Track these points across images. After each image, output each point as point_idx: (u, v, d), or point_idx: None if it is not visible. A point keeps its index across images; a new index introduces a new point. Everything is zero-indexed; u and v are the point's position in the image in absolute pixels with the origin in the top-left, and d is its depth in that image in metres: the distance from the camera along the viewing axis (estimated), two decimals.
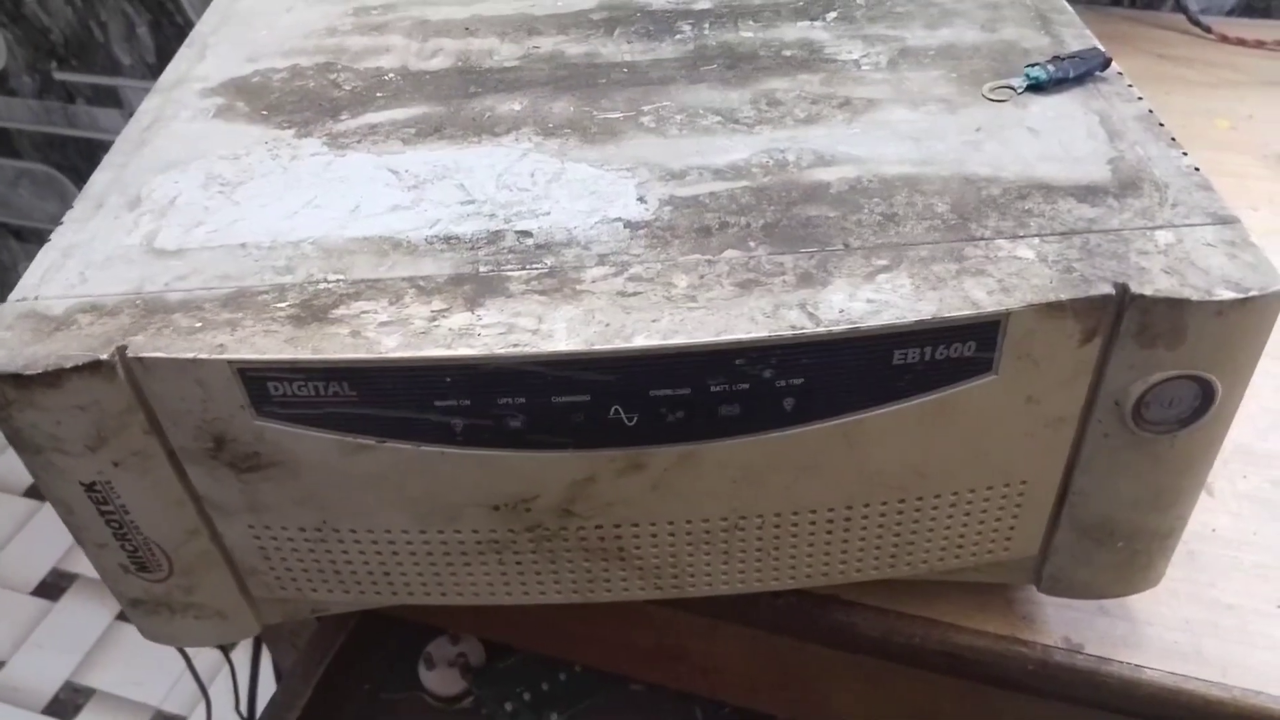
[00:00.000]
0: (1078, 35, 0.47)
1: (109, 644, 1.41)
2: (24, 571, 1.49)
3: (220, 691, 0.91)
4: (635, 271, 0.37)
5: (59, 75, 1.30)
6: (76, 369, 0.35)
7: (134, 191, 0.42)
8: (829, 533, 0.40)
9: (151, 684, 1.36)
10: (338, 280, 0.37)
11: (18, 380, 0.35)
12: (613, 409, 0.36)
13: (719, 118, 0.44)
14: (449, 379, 0.35)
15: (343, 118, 0.46)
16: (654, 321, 0.35)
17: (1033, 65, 0.44)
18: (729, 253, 0.37)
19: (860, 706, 0.55)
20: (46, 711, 1.35)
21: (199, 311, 0.37)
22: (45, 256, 0.40)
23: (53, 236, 0.41)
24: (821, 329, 0.34)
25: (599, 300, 0.36)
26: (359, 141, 0.44)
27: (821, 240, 0.37)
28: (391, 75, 0.48)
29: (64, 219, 0.41)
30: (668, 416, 0.36)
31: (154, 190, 0.42)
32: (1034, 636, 0.47)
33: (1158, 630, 0.47)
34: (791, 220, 0.38)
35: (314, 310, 0.36)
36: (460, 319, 0.35)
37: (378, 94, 0.47)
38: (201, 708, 1.34)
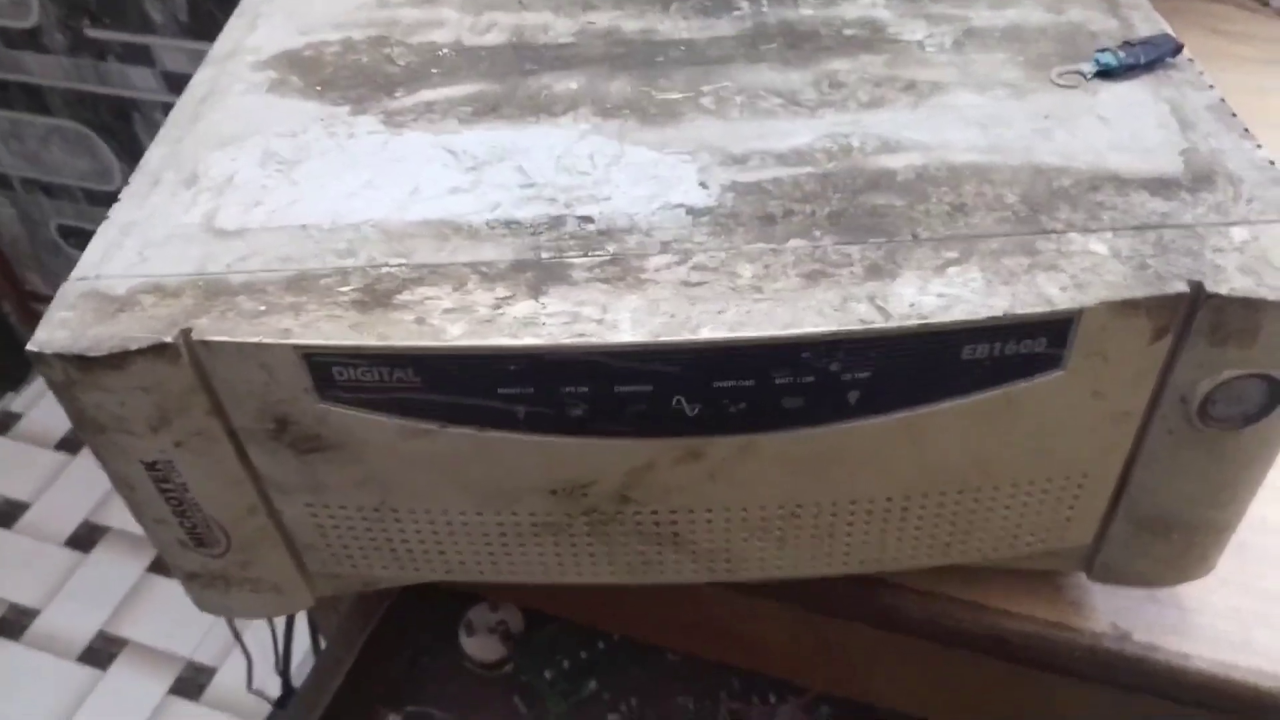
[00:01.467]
0: (1146, 18, 0.46)
1: (140, 596, 1.43)
2: (56, 523, 1.51)
3: (254, 648, 0.92)
4: (699, 260, 0.36)
5: (91, 32, 1.30)
6: (141, 351, 0.35)
7: (190, 168, 0.42)
8: (885, 521, 0.40)
9: (183, 636, 1.39)
10: (400, 264, 0.37)
11: (82, 362, 0.35)
12: (675, 399, 0.36)
13: (780, 99, 0.43)
14: (513, 367, 0.35)
15: (398, 94, 0.45)
16: (720, 313, 0.34)
17: (1103, 50, 0.43)
18: (794, 242, 0.37)
19: (903, 686, 0.56)
20: (80, 660, 1.37)
21: (262, 294, 0.36)
22: (104, 234, 0.40)
23: (111, 213, 0.41)
24: (892, 324, 0.33)
25: (663, 290, 0.35)
26: (415, 120, 0.44)
27: (889, 230, 0.37)
28: (446, 50, 0.47)
29: (120, 194, 0.41)
30: (730, 407, 0.36)
31: (211, 167, 0.42)
32: (1082, 622, 0.47)
33: (1207, 619, 0.47)
34: (857, 209, 0.38)
35: (377, 295, 0.36)
36: (524, 307, 0.35)
37: (433, 70, 0.46)
38: (230, 660, 1.36)
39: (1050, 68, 0.44)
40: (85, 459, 1.58)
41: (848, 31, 0.47)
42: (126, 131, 1.37)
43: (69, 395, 0.36)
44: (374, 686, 0.64)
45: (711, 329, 0.34)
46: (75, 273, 0.38)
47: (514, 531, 0.41)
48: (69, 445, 1.60)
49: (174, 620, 1.40)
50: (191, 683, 1.35)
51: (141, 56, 1.31)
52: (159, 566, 1.45)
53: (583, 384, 0.35)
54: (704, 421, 0.36)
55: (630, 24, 0.48)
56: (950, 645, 0.48)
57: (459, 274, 0.37)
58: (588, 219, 0.38)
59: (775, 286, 0.35)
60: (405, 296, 0.36)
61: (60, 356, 0.35)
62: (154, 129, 0.72)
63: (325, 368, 0.36)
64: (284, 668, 0.91)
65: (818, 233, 0.37)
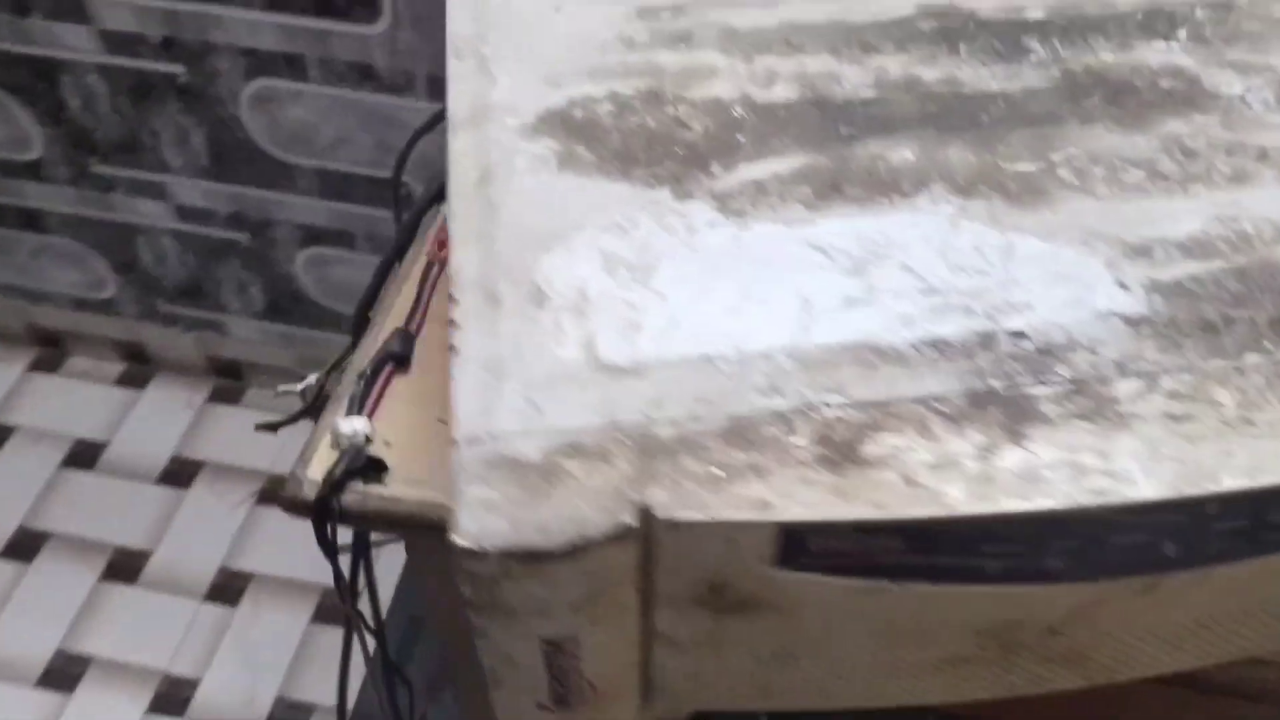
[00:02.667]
0: None
1: (98, 607, 1.32)
2: None
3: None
4: (1169, 386, 0.34)
5: (97, 169, 1.19)
6: (601, 539, 0.30)
7: (527, 279, 0.36)
8: None
9: (154, 646, 1.29)
10: (839, 404, 0.33)
11: (531, 557, 0.30)
12: (1165, 542, 0.33)
13: (1141, 172, 0.40)
14: (1012, 526, 0.32)
15: (714, 170, 0.40)
16: (1229, 456, 0.32)
17: None
18: (1250, 357, 0.35)
19: None
20: (41, 685, 1.26)
21: (705, 452, 0.32)
22: (468, 375, 0.34)
23: (459, 344, 0.34)
24: None
25: (1151, 427, 0.33)
26: (753, 205, 0.39)
27: None
28: (739, 111, 0.42)
29: (455, 317, 0.35)
30: (1214, 546, 0.34)
31: (552, 278, 0.36)
32: None
33: None
34: None
35: (839, 448, 0.32)
36: (1013, 457, 0.32)
37: (737, 136, 0.41)
38: (213, 669, 1.28)
39: None
40: (10, 454, 1.44)
41: (1163, 84, 0.44)
42: None
43: (490, 586, 0.31)
44: None
45: (1232, 477, 0.32)
46: (461, 430, 0.32)
47: (911, 665, 0.38)
48: None
49: (141, 630, 1.30)
50: (172, 698, 1.26)
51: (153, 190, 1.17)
52: (114, 573, 1.34)
53: (1077, 538, 0.32)
54: (1180, 559, 0.34)
55: (927, 72, 0.44)
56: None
57: (914, 414, 0.33)
58: (1021, 335, 0.35)
59: (1265, 418, 0.33)
60: (872, 449, 0.32)
61: (506, 554, 0.30)
62: None
63: (801, 538, 0.31)
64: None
65: (1268, 344, 0.35)
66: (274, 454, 1.48)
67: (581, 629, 0.33)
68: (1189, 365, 0.34)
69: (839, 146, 0.41)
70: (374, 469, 0.51)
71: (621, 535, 0.30)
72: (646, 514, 0.30)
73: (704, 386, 0.33)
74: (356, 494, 0.50)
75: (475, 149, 0.40)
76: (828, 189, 0.39)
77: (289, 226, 1.35)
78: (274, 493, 1.43)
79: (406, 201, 1.29)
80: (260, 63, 1.17)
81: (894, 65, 0.44)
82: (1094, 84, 0.44)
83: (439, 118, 0.80)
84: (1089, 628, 0.37)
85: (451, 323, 0.35)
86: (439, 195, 0.67)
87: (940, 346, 0.35)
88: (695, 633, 0.35)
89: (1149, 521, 0.32)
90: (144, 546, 1.38)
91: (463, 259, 0.37)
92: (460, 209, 0.38)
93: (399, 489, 0.51)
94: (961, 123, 0.42)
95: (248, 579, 1.36)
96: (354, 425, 0.53)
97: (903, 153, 0.41)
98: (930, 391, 0.33)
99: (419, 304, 0.59)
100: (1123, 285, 0.37)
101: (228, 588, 1.35)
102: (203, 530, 1.40)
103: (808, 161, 0.40)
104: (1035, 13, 0.47)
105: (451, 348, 0.34)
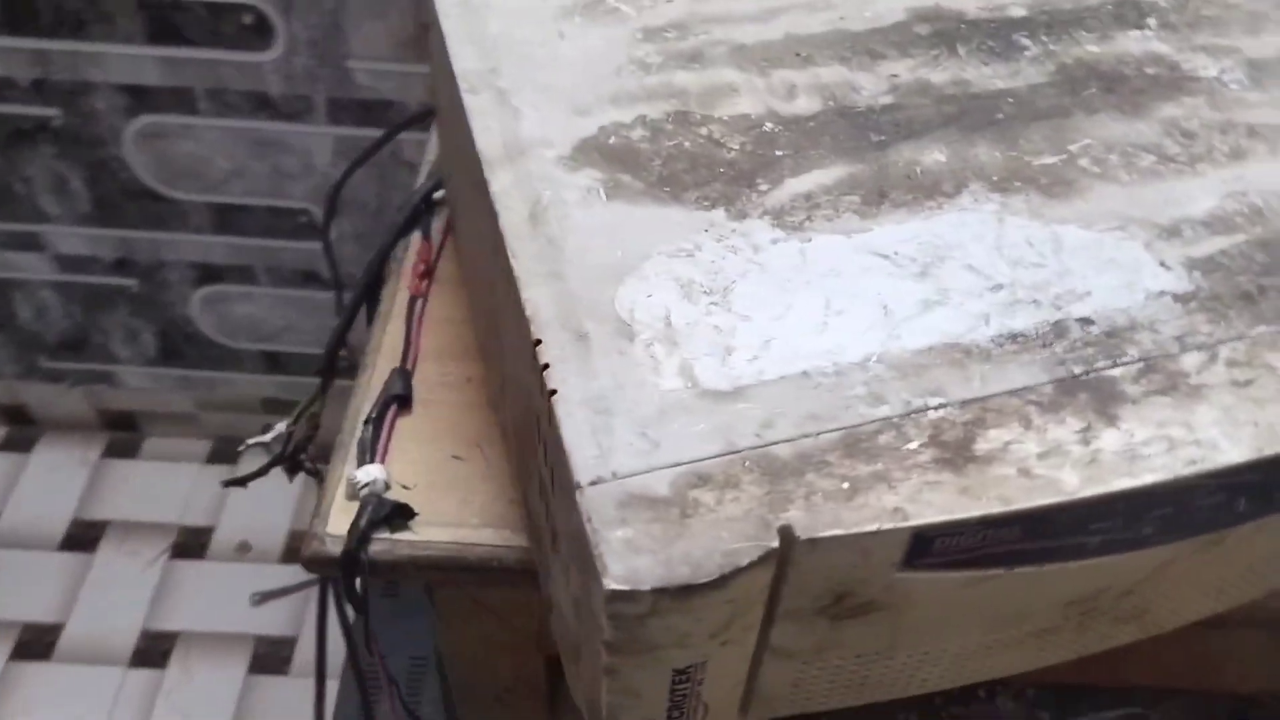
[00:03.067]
0: None
1: (15, 683, 1.24)
2: None
3: None
4: (1227, 355, 0.36)
5: None
6: (749, 565, 0.30)
7: (609, 312, 0.36)
8: None
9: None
10: (940, 405, 0.34)
11: (684, 591, 0.30)
12: (1240, 499, 0.36)
13: (1152, 156, 0.43)
14: (1118, 503, 0.33)
15: (761, 187, 0.40)
16: None
17: None
18: None
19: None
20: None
21: (829, 467, 0.32)
22: (575, 416, 0.33)
23: (554, 383, 0.34)
24: None
25: (1224, 395, 0.35)
26: (809, 219, 0.39)
27: None
28: (770, 125, 0.43)
29: (546, 359, 0.34)
30: (1277, 496, 0.36)
31: (634, 310, 0.36)
32: None
33: None
34: None
35: (953, 448, 0.33)
36: (1112, 439, 0.34)
37: (776, 151, 0.42)
38: None
39: None
40: None
41: (1149, 70, 0.47)
42: None
43: (635, 624, 0.31)
44: None
45: None
46: (581, 475, 0.32)
47: (999, 642, 0.40)
48: None
49: (64, 707, 1.23)
50: None
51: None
52: (26, 651, 1.26)
53: (1170, 505, 0.34)
54: (1249, 513, 0.36)
55: (936, 75, 0.46)
56: None
57: (1014, 408, 0.34)
58: (1088, 320, 0.37)
59: None
60: (984, 446, 0.33)
61: (659, 591, 0.30)
62: None
63: (929, 541, 0.32)
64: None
65: None
66: (182, 505, 1.41)
67: (712, 655, 0.34)
68: (1239, 334, 0.37)
69: (874, 153, 0.42)
70: (400, 515, 0.50)
71: (765, 558, 0.30)
72: (787, 534, 0.31)
73: (809, 402, 0.34)
74: (384, 543, 0.49)
75: (519, 186, 0.40)
76: (875, 196, 0.40)
77: (181, 267, 1.29)
78: (189, 546, 1.37)
79: (313, 230, 1.25)
80: (144, 99, 1.12)
81: (903, 70, 0.46)
82: (1088, 75, 0.46)
83: (379, 145, 0.79)
84: (1156, 586, 0.39)
85: (545, 366, 0.34)
86: (406, 228, 0.66)
87: (1019, 339, 0.36)
88: (810, 642, 0.36)
89: (1230, 482, 0.34)
90: (54, 619, 1.30)
91: (538, 299, 0.36)
92: (520, 249, 0.38)
93: (429, 533, 0.49)
94: (980, 122, 0.44)
95: (173, 638, 1.29)
96: (371, 473, 0.51)
97: (935, 155, 0.42)
98: (1021, 383, 0.35)
99: (410, 341, 0.58)
100: (1165, 265, 0.39)
101: (153, 650, 1.28)
102: (117, 594, 1.33)
103: (849, 170, 0.41)
104: (1017, 10, 0.49)
105: (551, 392, 0.34)
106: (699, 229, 0.39)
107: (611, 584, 0.29)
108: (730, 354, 0.35)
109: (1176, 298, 0.38)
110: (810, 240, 0.39)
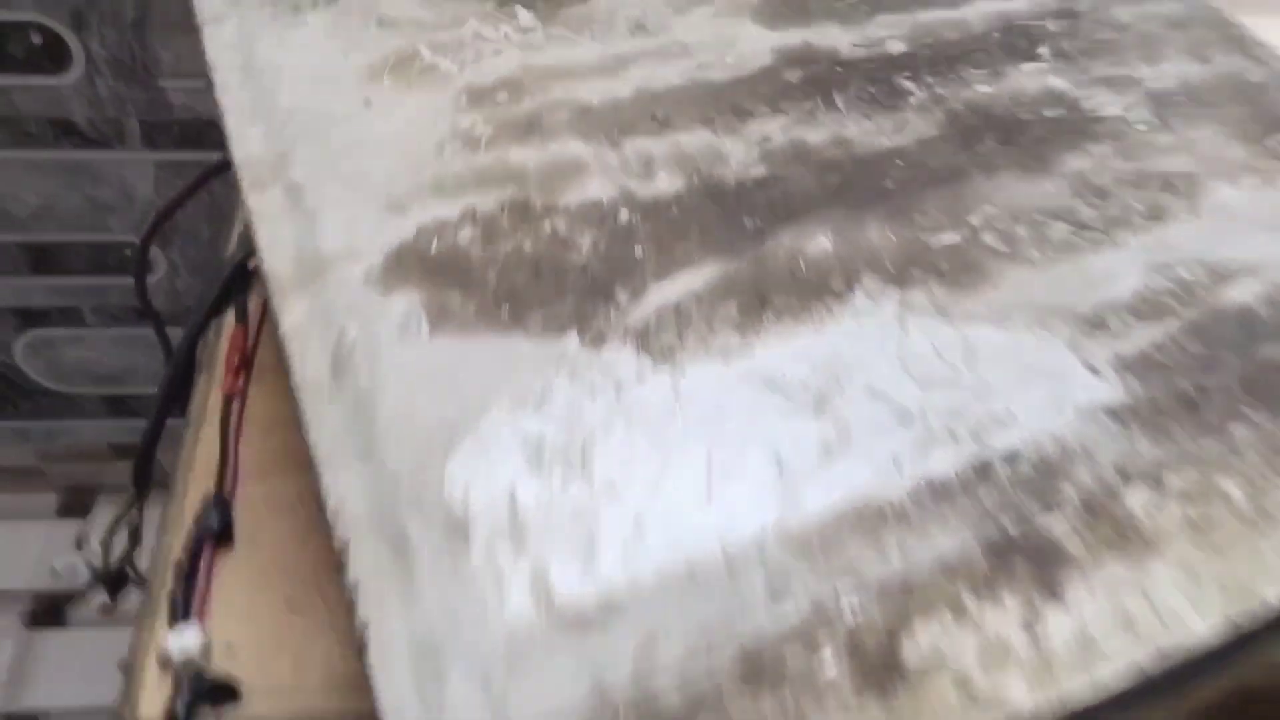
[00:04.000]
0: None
1: None
2: None
3: None
4: (1175, 485, 0.31)
5: None
6: None
7: (436, 500, 0.28)
8: None
9: None
10: (855, 600, 0.28)
11: None
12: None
13: (1065, 225, 0.37)
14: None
15: (620, 299, 0.33)
16: (1260, 561, 0.29)
17: None
18: (1239, 431, 0.32)
19: None
20: None
21: (726, 715, 0.26)
22: (393, 669, 0.26)
23: (365, 612, 0.26)
24: None
25: (1180, 544, 0.29)
26: (679, 340, 0.32)
27: None
28: (625, 214, 0.35)
29: (355, 573, 0.27)
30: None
31: (469, 491, 0.28)
32: None
33: None
34: (1257, 368, 0.34)
35: (877, 661, 0.27)
36: (1060, 624, 0.28)
37: (635, 249, 0.35)
38: None
39: (1257, 138, 0.41)
40: None
41: (1047, 112, 0.41)
42: None
43: None
44: None
45: (1271, 585, 0.29)
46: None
47: None
48: None
49: None
50: None
51: None
52: None
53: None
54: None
55: (812, 134, 0.39)
56: None
57: (940, 589, 0.28)
58: (1014, 455, 0.31)
59: (1273, 502, 0.30)
60: (913, 654, 0.27)
61: None
62: None
63: None
64: None
65: (1246, 410, 0.33)
66: (32, 569, 1.28)
67: None
68: (1185, 454, 0.31)
69: (749, 245, 0.35)
70: (223, 692, 0.42)
71: None
72: None
73: (697, 610, 0.27)
74: None
75: (316, 321, 0.32)
76: (755, 303, 0.34)
77: None
78: (43, 614, 1.25)
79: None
80: None
81: (775, 131, 0.39)
82: (982, 124, 0.40)
83: (185, 196, 0.69)
84: None
85: (355, 585, 0.27)
86: (220, 303, 0.57)
87: (939, 490, 0.30)
88: None
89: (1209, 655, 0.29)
90: None
91: (344, 492, 0.28)
92: (320, 419, 0.30)
93: (261, 705, 0.41)
94: (868, 194, 0.37)
95: (37, 718, 1.18)
96: (183, 640, 0.42)
97: (819, 241, 0.36)
98: (944, 553, 0.29)
99: (227, 457, 0.49)
100: (1093, 369, 0.33)
101: None
102: None
103: (722, 270, 0.34)
104: (896, 45, 0.43)
105: (361, 639, 0.26)
106: (549, 364, 0.31)
107: None
108: (594, 549, 0.28)
109: (1111, 413, 0.32)
110: (684, 372, 0.32)
